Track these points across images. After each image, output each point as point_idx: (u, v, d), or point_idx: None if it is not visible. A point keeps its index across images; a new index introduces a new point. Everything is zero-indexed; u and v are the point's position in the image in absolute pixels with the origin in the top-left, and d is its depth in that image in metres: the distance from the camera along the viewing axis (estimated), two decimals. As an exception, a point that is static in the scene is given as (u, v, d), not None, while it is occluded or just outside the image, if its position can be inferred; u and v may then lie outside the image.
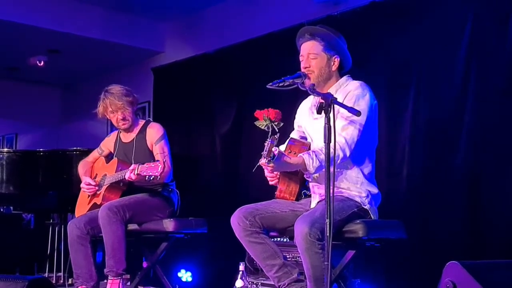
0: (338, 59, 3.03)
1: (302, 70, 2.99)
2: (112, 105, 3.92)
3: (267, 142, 2.57)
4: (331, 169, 2.48)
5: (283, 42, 4.86)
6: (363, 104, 2.89)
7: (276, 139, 2.62)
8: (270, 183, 3.05)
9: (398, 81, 4.22)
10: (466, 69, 3.84)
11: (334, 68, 3.03)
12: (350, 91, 2.96)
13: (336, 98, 2.65)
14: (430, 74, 4.04)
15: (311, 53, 3.00)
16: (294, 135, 3.23)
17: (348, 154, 2.86)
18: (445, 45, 3.97)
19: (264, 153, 2.56)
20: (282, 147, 3.04)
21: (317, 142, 2.99)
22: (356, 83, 3.01)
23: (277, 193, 3.05)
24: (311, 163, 2.78)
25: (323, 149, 2.70)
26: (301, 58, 3.04)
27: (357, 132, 2.88)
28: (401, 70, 4.21)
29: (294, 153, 2.94)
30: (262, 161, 2.62)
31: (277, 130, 2.83)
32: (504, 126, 3.64)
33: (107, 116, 4.02)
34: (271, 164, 2.67)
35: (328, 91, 2.96)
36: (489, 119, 3.71)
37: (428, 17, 4.09)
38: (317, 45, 3.01)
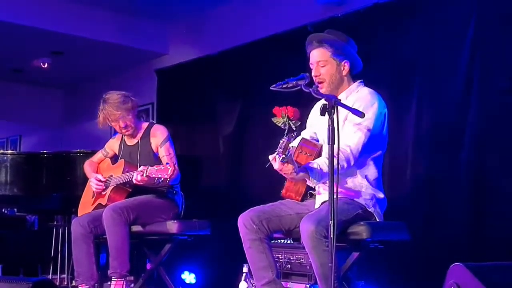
0: (348, 63, 3.02)
1: (314, 78, 2.99)
2: (111, 115, 3.91)
3: (284, 139, 2.56)
4: (335, 173, 2.47)
5: (286, 43, 4.87)
6: (371, 113, 2.89)
7: (293, 137, 2.60)
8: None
9: (401, 82, 4.22)
10: (469, 70, 3.83)
11: (344, 73, 3.03)
12: (359, 98, 2.96)
13: (340, 100, 2.65)
14: (433, 75, 4.04)
15: (320, 61, 3.01)
16: (305, 134, 3.22)
17: (352, 163, 2.88)
18: (449, 46, 3.97)
19: (280, 150, 2.54)
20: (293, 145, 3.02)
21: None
22: (366, 91, 3.01)
23: (283, 191, 3.05)
24: (315, 177, 2.77)
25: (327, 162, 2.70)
26: (311, 66, 3.05)
27: (363, 141, 2.88)
28: (404, 72, 4.21)
29: (305, 154, 2.93)
30: (276, 158, 2.59)
31: (294, 129, 2.82)
32: (508, 127, 3.63)
33: (109, 125, 4.02)
34: (286, 162, 2.64)
35: (339, 96, 2.97)
36: (493, 120, 3.71)
37: (431, 18, 4.08)
38: (325, 52, 3.01)
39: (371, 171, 2.99)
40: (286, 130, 2.78)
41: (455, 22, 3.94)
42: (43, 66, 6.98)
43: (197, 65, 5.93)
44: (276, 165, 2.68)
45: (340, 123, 2.88)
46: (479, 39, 3.80)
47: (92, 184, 4.00)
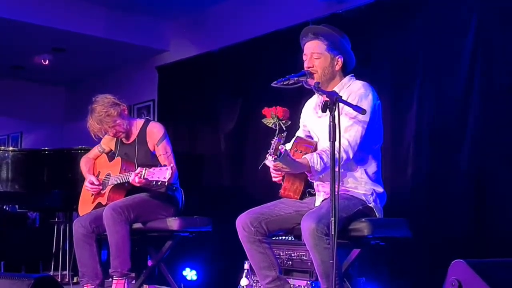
0: (342, 59, 3.02)
1: (306, 69, 2.99)
2: (99, 130, 3.90)
3: (274, 140, 2.57)
4: (336, 168, 2.48)
5: (287, 40, 4.85)
6: (366, 104, 2.89)
7: (283, 137, 2.61)
8: (274, 179, 3.05)
9: (402, 79, 4.21)
10: (471, 68, 3.83)
11: (337, 68, 3.02)
12: (353, 91, 2.96)
13: (341, 96, 2.66)
14: (434, 72, 4.03)
15: (314, 53, 3.00)
16: (300, 134, 3.23)
17: (351, 156, 2.87)
18: (450, 43, 3.96)
19: (271, 151, 2.56)
20: (288, 146, 3.03)
21: (323, 140, 2.99)
22: (359, 83, 3.01)
23: (281, 191, 3.05)
24: (316, 165, 2.78)
25: (327, 151, 2.71)
26: (304, 58, 3.04)
27: (360, 133, 2.88)
28: (405, 69, 4.20)
29: (300, 152, 2.94)
30: (269, 159, 2.62)
31: (284, 129, 2.82)
32: (509, 124, 3.63)
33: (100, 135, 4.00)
34: (277, 163, 2.68)
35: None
36: (494, 117, 3.70)
37: (433, 15, 4.07)
38: (321, 45, 3.00)
39: (371, 165, 2.99)
40: (277, 131, 2.78)
41: (457, 19, 3.93)
42: (44, 63, 6.98)
43: (198, 62, 5.93)
44: (270, 165, 2.72)
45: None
46: (481, 36, 3.79)
47: (87, 189, 4.00)
